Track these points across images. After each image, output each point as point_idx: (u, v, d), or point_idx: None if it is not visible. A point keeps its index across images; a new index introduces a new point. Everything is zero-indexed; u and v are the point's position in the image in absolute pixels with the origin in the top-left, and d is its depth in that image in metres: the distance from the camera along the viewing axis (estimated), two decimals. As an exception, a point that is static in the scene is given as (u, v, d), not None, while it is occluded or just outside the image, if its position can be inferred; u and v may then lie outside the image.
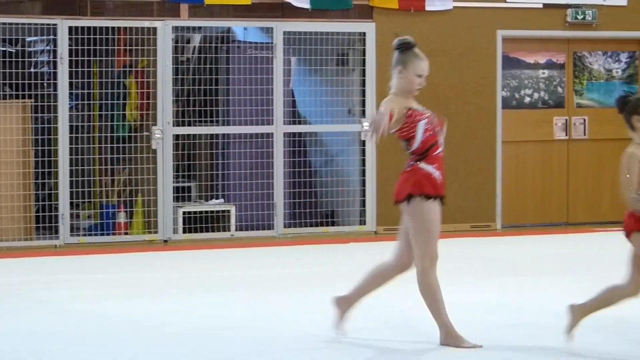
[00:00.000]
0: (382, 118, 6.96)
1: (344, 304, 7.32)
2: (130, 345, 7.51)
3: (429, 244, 7.05)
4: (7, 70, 13.40)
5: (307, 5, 13.90)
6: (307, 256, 12.86)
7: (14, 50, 14.14)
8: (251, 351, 7.36)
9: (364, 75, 14.33)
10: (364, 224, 14.35)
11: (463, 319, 7.98)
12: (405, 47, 7.15)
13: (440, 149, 7.25)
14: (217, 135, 14.53)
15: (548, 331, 7.96)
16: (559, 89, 15.65)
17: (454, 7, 14.66)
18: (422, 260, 7.02)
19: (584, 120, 15.92)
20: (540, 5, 15.17)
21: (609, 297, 7.04)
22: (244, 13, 14.17)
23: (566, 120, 15.49)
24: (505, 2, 14.99)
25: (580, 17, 15.46)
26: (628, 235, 6.80)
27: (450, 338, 7.19)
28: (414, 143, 7.05)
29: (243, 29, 14.83)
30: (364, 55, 14.32)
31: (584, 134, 15.92)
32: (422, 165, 7.07)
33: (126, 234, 13.66)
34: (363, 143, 14.44)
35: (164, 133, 13.49)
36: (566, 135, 15.53)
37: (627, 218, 6.73)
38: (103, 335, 7.81)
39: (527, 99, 15.54)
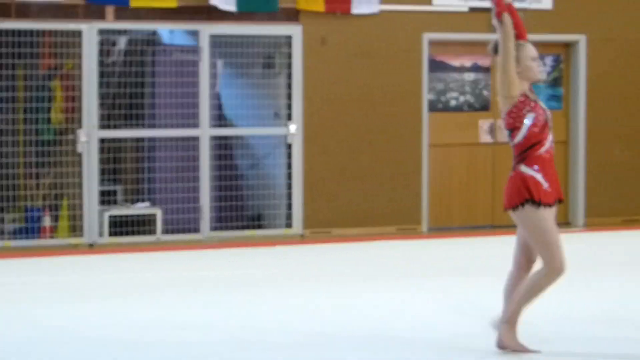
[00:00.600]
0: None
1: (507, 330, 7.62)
2: (60, 348, 7.88)
3: (552, 254, 7.34)
4: None
5: (233, 8, 14.25)
6: (234, 259, 13.35)
7: None
8: (178, 354, 7.67)
9: (290, 79, 14.71)
10: (291, 226, 14.69)
11: (382, 318, 9.22)
12: (497, 48, 7.58)
13: (544, 148, 7.28)
14: (143, 138, 14.76)
15: (472, 330, 8.44)
16: (485, 92, 16.05)
17: (380, 10, 14.95)
18: (548, 269, 7.36)
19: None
20: (466, 9, 15.54)
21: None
22: (170, 16, 14.37)
23: (492, 123, 15.88)
24: (431, 5, 15.36)
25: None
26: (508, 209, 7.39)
27: (508, 338, 7.58)
28: (517, 135, 7.23)
29: (169, 32, 15.06)
30: (290, 58, 14.72)
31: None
32: (523, 168, 7.28)
33: (51, 237, 13.87)
34: (289, 146, 14.76)
35: (89, 136, 13.74)
36: (492, 138, 15.96)
37: None
38: (32, 339, 8.12)
39: (453, 102, 15.94)
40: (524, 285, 7.45)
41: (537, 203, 7.03)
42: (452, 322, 8.97)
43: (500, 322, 7.43)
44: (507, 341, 7.39)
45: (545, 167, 7.08)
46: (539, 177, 7.03)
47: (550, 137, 7.30)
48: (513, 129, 7.07)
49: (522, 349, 7.41)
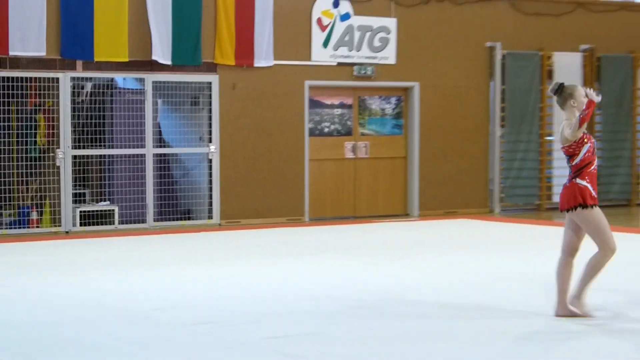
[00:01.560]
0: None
1: (577, 303, 9.28)
2: (43, 306, 10.01)
3: (606, 239, 9.12)
4: None
5: (169, 62, 17.05)
6: (171, 242, 15.79)
7: None
8: (131, 310, 9.77)
9: (210, 112, 17.72)
10: (211, 218, 17.65)
11: (276, 284, 11.54)
12: (560, 89, 9.39)
13: (593, 167, 9.15)
14: (104, 155, 17.48)
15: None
16: (349, 122, 19.41)
17: (274, 64, 17.98)
18: (604, 250, 9.09)
19: (366, 144, 19.52)
20: (335, 64, 18.72)
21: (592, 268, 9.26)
22: (123, 67, 17.08)
23: (353, 144, 19.35)
24: (310, 60, 18.46)
25: (362, 72, 19.00)
26: (564, 210, 9.30)
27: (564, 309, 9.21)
28: (575, 159, 9.14)
29: (122, 79, 17.77)
30: (210, 98, 17.66)
31: (366, 154, 19.57)
32: (578, 180, 9.13)
33: (37, 227, 16.53)
34: (210, 161, 17.63)
35: (64, 154, 16.47)
36: (353, 154, 19.38)
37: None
38: (25, 300, 10.33)
39: (326, 130, 19.22)
40: (588, 267, 9.21)
41: (589, 206, 8.97)
42: (330, 288, 11.31)
43: (574, 302, 9.22)
44: (574, 310, 9.14)
45: (592, 179, 9.03)
46: (589, 187, 9.01)
47: (595, 159, 9.26)
48: (572, 155, 9.08)
49: (579, 315, 9.12)
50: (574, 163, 8.89)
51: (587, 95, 8.86)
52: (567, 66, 21.03)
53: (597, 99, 8.75)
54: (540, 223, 19.01)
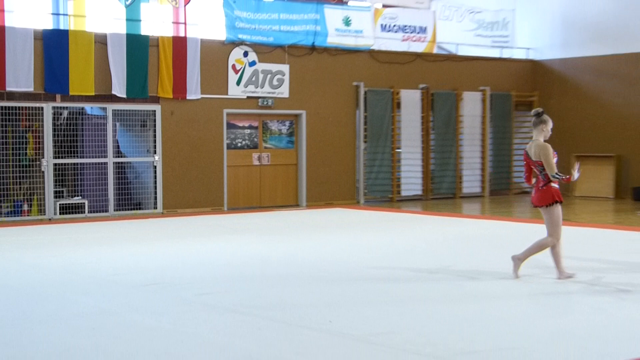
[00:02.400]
0: (567, 177, 9.68)
1: (518, 261, 9.93)
2: (36, 274, 10.56)
3: (557, 230, 9.67)
4: None
5: (124, 95, 18.10)
6: (126, 226, 16.33)
7: None
8: (103, 281, 10.02)
9: (155, 132, 18.69)
10: (156, 208, 18.70)
11: (208, 257, 12.31)
12: (541, 114, 9.99)
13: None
14: (77, 163, 18.04)
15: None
16: (255, 139, 20.45)
17: (201, 97, 19.10)
18: (552, 237, 9.64)
19: (268, 155, 20.56)
20: (245, 97, 19.94)
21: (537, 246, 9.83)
22: (91, 99, 17.98)
23: (259, 155, 20.34)
24: (227, 95, 19.66)
25: (265, 103, 20.12)
26: (540, 206, 9.77)
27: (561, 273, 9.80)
28: (548, 174, 9.69)
29: (90, 107, 18.44)
30: (155, 121, 18.63)
31: (268, 162, 20.52)
32: (553, 185, 9.73)
33: (28, 215, 17.34)
34: (155, 167, 18.61)
35: (48, 162, 17.36)
36: (259, 162, 20.38)
37: (541, 193, 9.70)
38: (21, 271, 10.86)
39: (239, 144, 20.22)
40: (536, 244, 9.83)
41: (559, 202, 9.57)
42: (244, 257, 12.12)
43: (560, 271, 9.83)
44: (570, 274, 9.79)
45: (559, 185, 9.60)
46: (558, 189, 9.63)
47: (577, 175, 9.82)
48: (543, 168, 9.69)
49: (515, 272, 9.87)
50: (545, 173, 9.69)
51: (573, 169, 9.92)
52: (410, 99, 22.52)
53: (575, 177, 9.79)
54: (392, 210, 19.94)
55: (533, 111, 10.12)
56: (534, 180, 10.09)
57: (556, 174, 9.57)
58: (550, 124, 9.94)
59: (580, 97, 23.89)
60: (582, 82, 24.06)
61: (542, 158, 9.69)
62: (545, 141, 9.81)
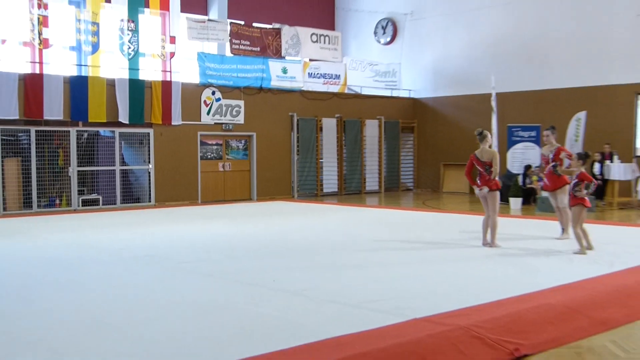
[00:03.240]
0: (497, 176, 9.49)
1: (491, 244, 9.70)
2: (59, 249, 10.23)
3: (497, 210, 9.68)
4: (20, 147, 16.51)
5: (127, 122, 17.83)
6: (129, 215, 15.65)
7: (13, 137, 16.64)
8: (116, 258, 9.84)
9: (149, 147, 18.33)
10: (150, 201, 18.35)
11: (180, 237, 12.67)
12: (482, 132, 9.92)
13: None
14: (94, 170, 17.63)
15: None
16: (220, 153, 20.15)
17: (182, 123, 18.81)
18: (496, 214, 9.62)
19: (230, 164, 20.15)
20: (213, 123, 19.64)
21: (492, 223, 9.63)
22: (103, 125, 17.59)
23: (223, 164, 20.08)
24: (200, 121, 19.35)
25: (227, 127, 19.91)
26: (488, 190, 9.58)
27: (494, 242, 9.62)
28: (492, 172, 9.63)
29: (103, 131, 17.87)
30: (149, 140, 18.31)
31: (229, 169, 20.18)
32: (497, 178, 9.73)
33: (59, 207, 16.94)
34: (149, 172, 18.27)
35: (73, 170, 17.12)
36: (223, 169, 20.15)
37: (485, 182, 9.58)
38: (62, 248, 10.40)
39: (209, 156, 19.93)
40: (492, 226, 9.72)
41: (500, 190, 9.65)
42: (217, 236, 11.99)
43: (490, 241, 9.71)
44: (495, 244, 9.62)
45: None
46: (499, 182, 9.66)
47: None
48: (490, 166, 9.57)
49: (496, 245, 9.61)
50: (490, 169, 9.62)
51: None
52: (329, 125, 22.18)
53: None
54: (317, 202, 19.56)
55: (476, 131, 10.10)
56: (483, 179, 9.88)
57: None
58: (489, 137, 9.93)
59: (445, 123, 24.02)
60: (447, 113, 24.19)
61: (493, 160, 9.60)
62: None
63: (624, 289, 6.97)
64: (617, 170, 17.15)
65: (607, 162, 17.62)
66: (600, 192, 17.65)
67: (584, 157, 9.51)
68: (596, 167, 17.95)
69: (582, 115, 18.61)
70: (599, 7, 19.97)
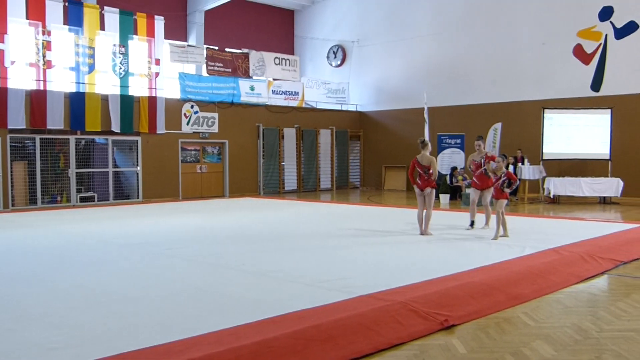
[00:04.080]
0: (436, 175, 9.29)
1: (425, 233, 9.60)
2: (60, 237, 10.29)
3: (432, 204, 9.58)
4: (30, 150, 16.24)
5: (119, 130, 17.56)
6: (120, 210, 15.24)
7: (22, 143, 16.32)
8: (107, 250, 10.44)
9: (137, 152, 18.05)
10: (139, 198, 17.74)
11: (156, 228, 13.11)
12: (424, 141, 9.65)
13: (434, 176, 9.26)
14: (90, 171, 17.44)
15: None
16: (198, 157, 19.86)
17: (166, 132, 18.58)
18: (432, 208, 9.52)
19: (206, 166, 20.03)
20: (192, 132, 19.34)
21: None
22: (99, 133, 17.29)
23: (200, 166, 19.93)
24: (181, 131, 19.07)
25: (204, 136, 19.70)
26: (424, 189, 9.42)
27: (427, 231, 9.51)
28: (433, 173, 9.49)
29: (98, 138, 17.57)
30: (137, 147, 18.03)
31: (206, 170, 19.98)
32: (432, 178, 9.59)
33: (60, 202, 16.76)
34: (137, 174, 18.00)
35: (72, 171, 16.90)
36: (200, 171, 19.99)
37: (425, 182, 9.41)
38: (65, 236, 10.44)
39: (189, 160, 19.45)
40: (426, 217, 9.61)
41: (436, 189, 9.56)
42: (198, 227, 12.02)
43: (425, 230, 9.62)
44: (429, 233, 9.55)
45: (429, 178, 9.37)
46: (434, 183, 9.45)
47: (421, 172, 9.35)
48: (429, 169, 9.42)
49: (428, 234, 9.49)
50: (430, 172, 9.51)
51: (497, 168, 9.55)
52: (289, 134, 21.87)
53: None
54: (280, 198, 19.20)
55: (419, 140, 9.90)
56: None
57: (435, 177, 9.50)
58: (430, 146, 9.78)
59: (386, 132, 24.02)
60: (387, 124, 24.18)
61: (432, 165, 9.45)
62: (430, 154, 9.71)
63: (533, 269, 7.07)
64: (528, 172, 17.39)
65: (520, 164, 17.88)
66: (514, 190, 17.93)
67: (504, 159, 9.78)
68: (510, 169, 18.05)
69: (498, 125, 19.11)
70: (511, 36, 20.33)
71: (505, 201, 9.34)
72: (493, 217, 10.20)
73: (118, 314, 5.25)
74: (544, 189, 17.13)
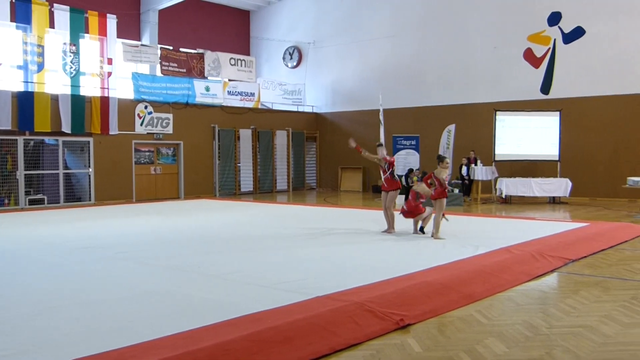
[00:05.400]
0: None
1: (389, 230, 9.71)
2: (10, 243, 10.52)
3: (395, 204, 9.72)
4: None
5: (69, 131, 17.32)
6: (71, 212, 15.11)
7: None
8: (62, 253, 10.20)
9: (89, 153, 17.86)
10: (91, 200, 17.76)
11: (122, 229, 12.90)
12: (381, 144, 9.93)
13: (386, 175, 9.31)
14: (40, 173, 17.15)
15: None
16: (152, 158, 19.73)
17: (118, 133, 18.33)
18: (393, 209, 9.65)
19: (160, 167, 19.72)
20: (146, 133, 19.19)
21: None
22: (48, 134, 17.07)
23: (155, 167, 19.72)
24: (135, 131, 18.74)
25: (158, 137, 19.51)
26: (389, 190, 9.45)
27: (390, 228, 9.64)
28: (390, 171, 9.62)
29: (48, 139, 17.34)
30: (89, 148, 17.83)
31: (160, 172, 19.72)
32: (396, 178, 9.81)
33: (7, 206, 16.48)
34: (89, 176, 17.85)
35: (20, 173, 16.65)
36: (154, 172, 19.69)
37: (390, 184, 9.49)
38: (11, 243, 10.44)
39: (142, 161, 19.34)
40: (391, 215, 9.77)
41: (399, 189, 9.60)
42: (149, 229, 11.93)
43: (389, 229, 9.70)
44: (392, 230, 9.70)
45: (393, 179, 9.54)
46: (399, 183, 9.66)
47: (384, 173, 9.49)
48: (391, 167, 9.56)
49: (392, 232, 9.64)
50: (392, 171, 9.72)
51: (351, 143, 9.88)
52: (245, 135, 22.15)
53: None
54: (236, 200, 19.36)
55: (377, 142, 10.21)
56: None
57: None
58: (384, 149, 9.99)
59: (342, 133, 24.08)
60: (343, 125, 24.39)
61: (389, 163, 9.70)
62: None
63: (485, 268, 7.17)
64: (480, 172, 17.63)
65: (473, 165, 18.11)
66: (467, 190, 18.26)
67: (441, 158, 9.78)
68: (464, 170, 18.51)
69: (452, 127, 19.34)
70: (465, 40, 20.78)
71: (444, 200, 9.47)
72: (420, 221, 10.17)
73: (70, 319, 5.16)
74: (496, 190, 17.40)
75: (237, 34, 26.64)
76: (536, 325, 5.10)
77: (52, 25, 17.85)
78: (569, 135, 18.08)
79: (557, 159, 17.71)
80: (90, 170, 18.26)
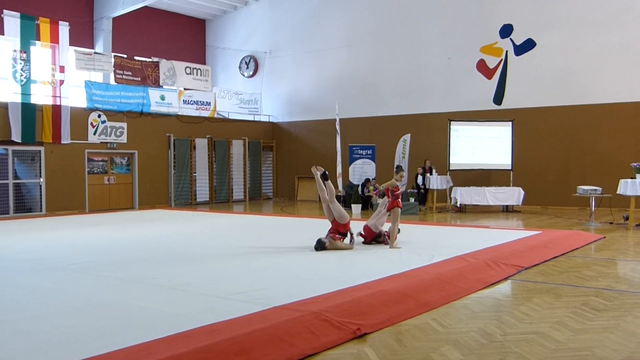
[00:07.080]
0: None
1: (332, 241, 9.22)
2: (26, 244, 11.19)
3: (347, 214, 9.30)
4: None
5: (20, 140, 17.12)
6: (22, 222, 15.05)
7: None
8: (52, 258, 10.29)
9: (40, 163, 17.48)
10: (42, 210, 17.54)
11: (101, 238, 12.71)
12: (325, 175, 9.42)
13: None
14: None
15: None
16: (106, 168, 19.36)
17: (71, 142, 18.03)
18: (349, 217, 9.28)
19: (114, 177, 19.56)
20: (99, 142, 18.88)
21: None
22: None
23: (108, 177, 19.33)
24: (88, 141, 18.48)
25: (112, 146, 19.09)
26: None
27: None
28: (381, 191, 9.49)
29: None
30: (40, 157, 17.55)
31: (114, 182, 19.44)
32: (381, 188, 9.52)
33: None
34: (41, 185, 17.52)
35: None
36: (108, 182, 19.37)
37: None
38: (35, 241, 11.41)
39: (96, 171, 18.96)
40: (374, 227, 9.56)
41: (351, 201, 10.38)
42: (107, 239, 12.07)
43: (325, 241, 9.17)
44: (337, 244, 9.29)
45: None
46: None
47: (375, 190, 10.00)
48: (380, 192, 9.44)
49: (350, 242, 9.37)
50: (393, 196, 9.39)
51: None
52: (201, 144, 22.08)
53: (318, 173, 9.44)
54: (191, 210, 19.24)
55: (321, 174, 9.75)
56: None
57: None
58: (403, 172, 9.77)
59: (298, 143, 24.36)
60: (299, 135, 24.53)
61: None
62: None
63: (441, 276, 7.24)
64: (436, 181, 17.85)
65: (428, 174, 18.39)
66: (423, 199, 18.53)
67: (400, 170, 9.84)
68: (419, 179, 18.81)
69: (407, 137, 19.70)
70: (420, 51, 21.18)
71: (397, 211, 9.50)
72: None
73: (20, 333, 5.03)
74: (451, 199, 17.63)
75: (192, 42, 26.74)
76: (491, 333, 5.16)
77: (1, 32, 17.83)
78: (521, 145, 18.47)
79: (509, 168, 18.07)
80: (42, 180, 18.02)
